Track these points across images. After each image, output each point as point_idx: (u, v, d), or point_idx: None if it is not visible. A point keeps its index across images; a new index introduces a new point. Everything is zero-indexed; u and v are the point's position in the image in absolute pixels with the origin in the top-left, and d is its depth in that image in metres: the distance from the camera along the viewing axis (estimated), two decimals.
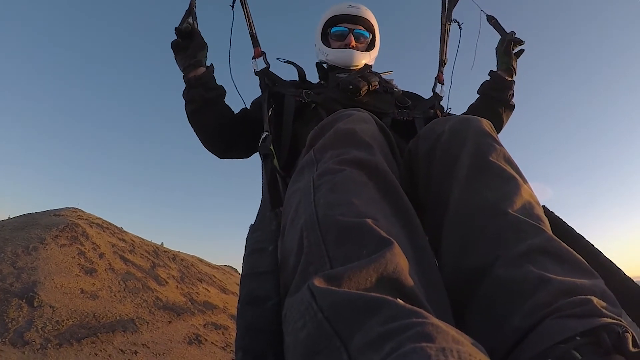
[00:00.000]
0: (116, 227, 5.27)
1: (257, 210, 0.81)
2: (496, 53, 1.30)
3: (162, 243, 6.17)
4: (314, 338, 0.37)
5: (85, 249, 4.02)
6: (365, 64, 1.31)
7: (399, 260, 0.44)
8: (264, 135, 1.04)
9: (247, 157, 1.33)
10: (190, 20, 1.18)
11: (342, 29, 1.33)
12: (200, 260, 7.05)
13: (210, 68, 1.20)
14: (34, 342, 2.77)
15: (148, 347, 3.55)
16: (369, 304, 0.37)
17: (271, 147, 1.00)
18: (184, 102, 1.22)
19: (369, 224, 0.49)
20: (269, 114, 1.17)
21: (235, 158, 1.34)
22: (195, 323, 4.60)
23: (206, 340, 4.36)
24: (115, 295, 3.85)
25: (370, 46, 1.36)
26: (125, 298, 3.95)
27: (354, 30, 1.33)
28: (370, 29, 1.36)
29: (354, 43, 1.31)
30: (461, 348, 0.33)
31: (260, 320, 0.49)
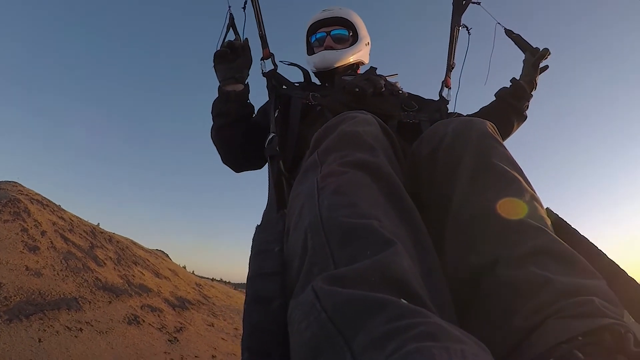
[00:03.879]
0: (55, 204, 5.10)
1: (263, 211, 0.81)
2: (524, 64, 1.30)
3: (99, 224, 6.06)
4: (318, 338, 0.38)
5: (27, 225, 3.96)
6: (371, 67, 1.30)
7: (403, 261, 0.45)
8: (270, 137, 1.04)
9: (260, 168, 1.33)
10: (237, 37, 1.23)
11: (320, 34, 1.37)
12: (134, 243, 7.00)
13: (248, 86, 1.22)
14: None
15: (92, 325, 3.69)
16: (373, 303, 0.37)
17: (277, 149, 1.00)
18: (214, 114, 1.22)
19: (372, 225, 0.49)
20: (275, 115, 1.17)
21: (250, 170, 1.35)
22: (132, 304, 4.74)
23: (144, 321, 4.55)
24: (58, 274, 3.89)
25: (353, 42, 1.36)
26: (68, 277, 4.01)
27: (331, 32, 1.35)
28: (349, 26, 1.37)
29: (331, 44, 1.33)
30: (465, 347, 0.32)
31: (266, 321, 0.50)
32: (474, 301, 0.57)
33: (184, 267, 8.75)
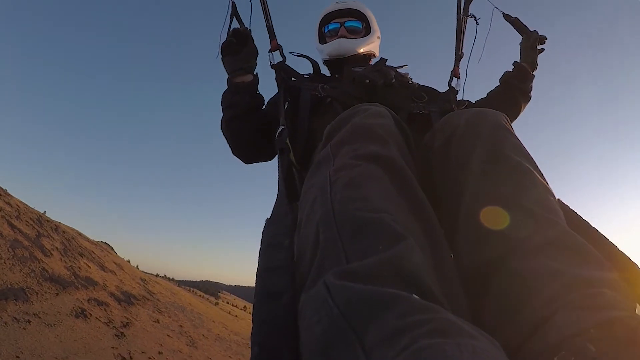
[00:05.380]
0: (2, 188, 4.82)
1: (273, 205, 0.79)
2: (521, 48, 1.35)
3: (45, 212, 5.77)
4: (329, 333, 0.37)
5: None
6: (382, 58, 1.32)
7: (415, 255, 0.45)
8: (279, 130, 1.03)
9: (270, 159, 1.31)
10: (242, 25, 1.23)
11: (334, 25, 1.39)
12: (80, 234, 6.73)
13: (257, 77, 1.23)
14: None
15: (40, 318, 3.62)
16: (385, 299, 0.38)
17: (287, 142, 0.99)
18: (224, 106, 1.22)
19: (385, 219, 0.49)
20: (285, 107, 1.17)
21: (260, 161, 1.34)
22: (79, 297, 4.65)
23: (91, 315, 4.50)
24: (5, 263, 3.77)
25: (366, 34, 1.38)
26: (15, 266, 3.88)
27: (345, 23, 1.37)
28: (362, 18, 1.40)
29: (345, 34, 1.35)
30: (476, 343, 0.33)
31: (276, 315, 0.49)
32: (486, 293, 0.56)
33: (129, 261, 8.49)
